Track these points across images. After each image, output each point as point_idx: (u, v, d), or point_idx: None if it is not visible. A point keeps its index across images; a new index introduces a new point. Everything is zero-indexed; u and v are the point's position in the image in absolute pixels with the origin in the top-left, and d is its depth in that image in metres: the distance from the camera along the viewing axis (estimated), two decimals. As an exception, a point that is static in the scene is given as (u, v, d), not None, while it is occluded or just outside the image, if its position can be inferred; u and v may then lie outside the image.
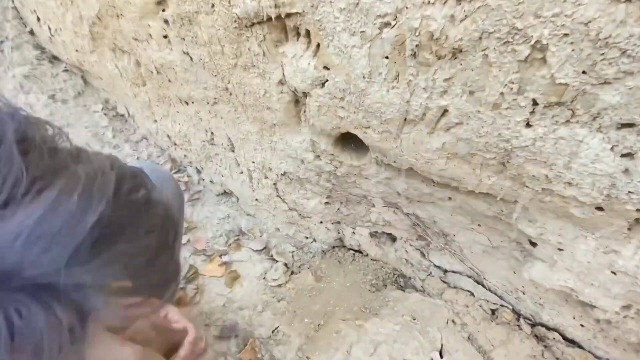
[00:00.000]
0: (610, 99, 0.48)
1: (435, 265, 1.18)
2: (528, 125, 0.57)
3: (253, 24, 0.76)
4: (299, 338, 0.99)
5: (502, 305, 1.04)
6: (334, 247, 1.36)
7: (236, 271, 1.19)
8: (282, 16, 0.70)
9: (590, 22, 0.44)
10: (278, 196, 1.31)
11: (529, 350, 0.98)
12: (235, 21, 0.77)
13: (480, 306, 1.05)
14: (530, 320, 1.00)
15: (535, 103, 0.54)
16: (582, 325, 0.88)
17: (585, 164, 0.55)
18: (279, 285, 1.15)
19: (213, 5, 0.77)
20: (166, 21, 0.89)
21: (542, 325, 0.97)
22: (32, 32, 1.57)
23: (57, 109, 1.40)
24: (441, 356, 0.96)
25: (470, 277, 1.10)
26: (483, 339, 1.01)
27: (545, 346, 0.97)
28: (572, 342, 0.94)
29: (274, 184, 1.26)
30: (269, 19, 0.72)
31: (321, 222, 1.30)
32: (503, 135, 0.60)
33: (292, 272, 1.22)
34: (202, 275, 1.17)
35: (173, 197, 0.82)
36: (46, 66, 1.50)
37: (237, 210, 1.47)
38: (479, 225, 0.90)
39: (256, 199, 1.39)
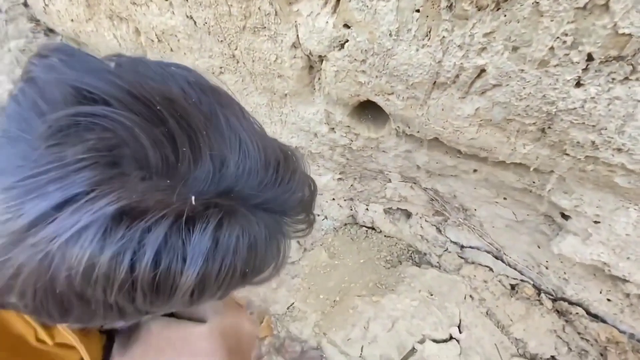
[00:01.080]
0: (683, 49, 0.42)
1: (452, 241, 1.15)
2: (578, 84, 0.51)
3: (264, -21, 0.68)
4: (315, 314, 0.97)
5: (522, 281, 1.01)
6: (346, 224, 1.33)
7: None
8: (298, -34, 0.63)
9: (673, -47, 0.37)
10: (288, 172, 1.27)
11: (550, 325, 0.96)
12: (244, -25, 0.69)
13: (500, 281, 1.03)
14: (552, 295, 0.98)
15: (590, 58, 0.48)
16: (609, 300, 0.85)
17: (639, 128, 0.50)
18: (292, 263, 1.13)
19: (219, -43, 0.69)
20: (167, -21, 0.81)
21: (565, 300, 0.95)
22: (25, 4, 1.47)
23: (54, 83, 1.34)
24: (460, 331, 0.94)
25: (489, 252, 1.07)
26: (502, 314, 1.00)
27: (566, 320, 0.95)
28: (595, 317, 0.92)
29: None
30: (283, -29, 0.65)
31: (333, 198, 1.26)
32: (548, 97, 0.54)
33: (305, 250, 1.19)
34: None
35: None
36: (42, 39, 1.42)
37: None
38: (505, 198, 0.86)
39: (265, 176, 1.35)
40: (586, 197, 0.66)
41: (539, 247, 0.90)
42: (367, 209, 1.25)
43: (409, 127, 0.79)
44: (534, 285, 1.00)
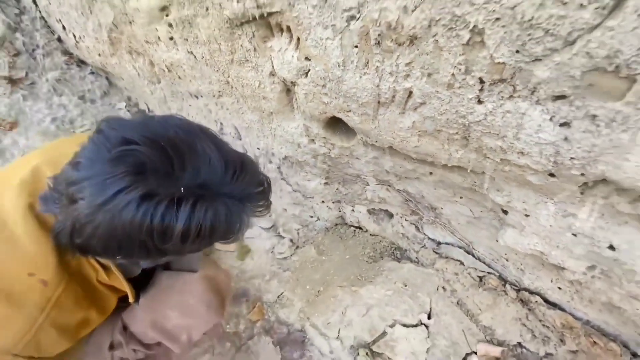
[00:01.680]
0: (542, 74, 0.54)
1: (429, 238, 1.25)
2: (479, 101, 0.63)
3: (242, 23, 0.85)
4: (301, 302, 1.11)
5: (489, 273, 1.10)
6: (336, 224, 1.46)
7: (247, 246, 1.32)
8: (265, 15, 0.79)
9: (515, 6, 0.50)
10: (283, 179, 1.42)
11: (514, 314, 1.05)
12: (227, 22, 0.86)
13: (469, 274, 1.12)
14: (516, 285, 1.06)
15: (482, 81, 0.60)
16: (559, 288, 0.93)
17: (531, 134, 0.61)
18: (285, 258, 1.28)
19: (207, 9, 0.87)
20: (170, 25, 1.00)
21: (526, 290, 1.03)
22: (59, 40, 1.74)
23: (87, 108, 1.57)
24: (429, 318, 1.05)
25: (461, 247, 1.17)
26: (471, 304, 1.09)
27: (529, 309, 1.04)
28: (553, 305, 1.00)
29: (278, 167, 1.38)
30: (254, 18, 0.81)
31: (323, 201, 1.40)
32: (460, 112, 0.67)
33: (297, 247, 1.34)
34: (218, 250, 1.31)
35: None
36: (75, 70, 1.67)
37: (248, 194, 1.60)
38: (460, 197, 0.97)
39: (264, 182, 1.51)
40: (514, 193, 0.77)
41: (496, 240, 0.99)
42: (352, 210, 1.38)
43: (369, 138, 0.92)
44: (499, 277, 1.09)
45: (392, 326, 1.02)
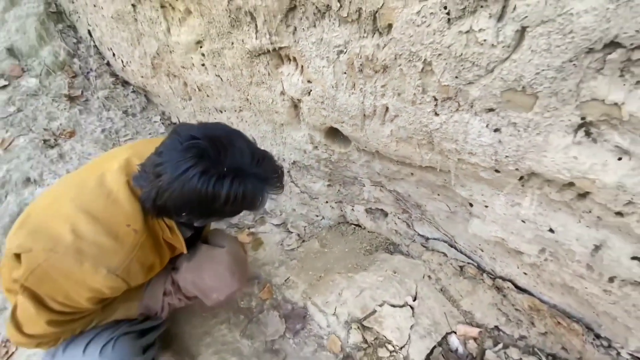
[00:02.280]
0: (475, 93, 0.73)
1: (419, 234, 1.42)
2: (436, 114, 0.82)
3: (259, 54, 1.09)
4: (304, 285, 1.29)
5: (468, 263, 1.26)
6: (339, 222, 1.65)
7: (260, 239, 1.53)
8: (277, 49, 1.02)
9: (450, 46, 0.69)
10: (292, 182, 1.63)
11: (491, 299, 1.19)
12: (247, 53, 1.10)
13: (451, 264, 1.28)
14: (492, 274, 1.21)
15: (435, 99, 0.80)
16: (525, 274, 1.08)
17: (475, 138, 0.79)
18: (292, 250, 1.47)
19: (232, 43, 1.11)
20: (203, 54, 1.25)
21: (500, 277, 1.18)
22: (108, 64, 2.06)
23: (129, 121, 1.86)
24: (414, 300, 1.21)
25: (445, 241, 1.33)
26: (453, 290, 1.24)
27: (503, 295, 1.18)
28: (523, 290, 1.14)
29: (288, 171, 1.59)
30: (269, 50, 1.04)
31: (326, 201, 1.60)
32: (423, 122, 0.86)
33: (303, 241, 1.53)
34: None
35: None
36: (120, 89, 1.97)
37: (262, 196, 1.82)
38: (438, 194, 1.14)
39: (276, 185, 1.73)
40: (474, 188, 0.94)
41: (471, 234, 1.15)
42: (352, 209, 1.56)
43: (360, 144, 1.12)
44: (477, 267, 1.23)
45: (381, 305, 1.18)
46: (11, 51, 1.90)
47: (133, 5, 1.33)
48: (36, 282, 0.64)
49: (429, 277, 1.28)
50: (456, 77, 0.73)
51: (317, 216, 1.69)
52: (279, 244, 1.53)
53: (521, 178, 0.82)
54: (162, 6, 1.22)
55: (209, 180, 0.60)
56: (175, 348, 1.10)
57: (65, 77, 1.84)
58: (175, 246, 0.81)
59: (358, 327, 1.14)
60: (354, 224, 1.59)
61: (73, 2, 1.95)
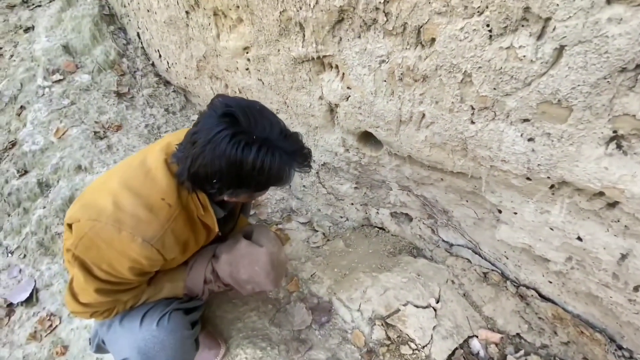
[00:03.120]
0: (512, 104, 0.78)
1: (443, 240, 1.46)
2: (472, 122, 0.88)
3: (303, 61, 1.17)
4: (329, 280, 1.35)
5: (492, 270, 1.28)
6: (362, 225, 1.70)
7: (287, 234, 1.60)
8: (321, 57, 1.10)
9: (490, 60, 0.76)
10: (320, 183, 1.70)
11: (514, 307, 1.22)
12: (292, 60, 1.19)
13: (475, 270, 1.31)
14: (515, 282, 1.23)
15: (472, 108, 0.85)
16: (550, 282, 1.10)
17: (509, 147, 0.84)
18: (318, 247, 1.54)
19: (279, 50, 1.20)
20: (248, 60, 1.35)
21: (524, 285, 1.20)
22: (153, 65, 2.21)
23: (169, 118, 1.99)
24: (437, 302, 1.24)
25: (470, 248, 1.37)
26: (476, 296, 1.28)
27: (526, 303, 1.20)
28: (546, 299, 1.16)
29: (317, 172, 1.66)
30: (313, 58, 1.13)
31: (352, 204, 1.66)
32: (459, 129, 0.92)
33: (328, 239, 1.59)
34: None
35: None
36: (162, 88, 2.11)
37: (290, 195, 1.90)
38: (466, 200, 1.19)
39: (303, 185, 1.80)
40: (504, 194, 0.98)
41: (498, 240, 1.19)
42: (377, 212, 1.62)
43: (392, 148, 1.18)
44: (501, 274, 1.26)
45: (404, 305, 1.23)
46: (66, 48, 2.08)
47: (187, 12, 1.45)
48: (83, 250, 0.70)
49: (452, 281, 1.32)
50: (494, 89, 0.79)
51: (341, 217, 1.76)
52: (304, 241, 1.59)
53: (552, 186, 0.86)
54: (215, 14, 1.33)
55: (237, 145, 0.64)
56: (210, 329, 1.17)
57: (115, 75, 1.99)
58: (210, 228, 0.86)
59: (382, 324, 1.19)
60: (378, 227, 1.65)
61: (125, 7, 2.11)
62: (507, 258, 1.21)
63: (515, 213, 0.99)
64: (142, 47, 2.19)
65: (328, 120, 1.33)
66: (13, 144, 1.72)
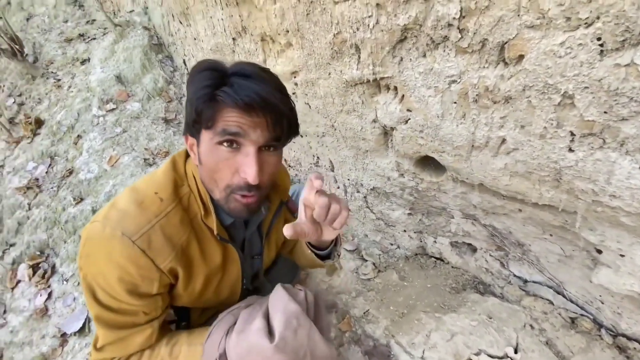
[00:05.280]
0: (629, 131, 0.64)
1: (515, 275, 1.28)
2: (571, 150, 0.74)
3: (356, 84, 1.09)
4: (385, 320, 1.23)
5: (582, 315, 1.09)
6: (416, 254, 1.56)
7: (334, 264, 1.50)
8: (377, 79, 1.02)
9: (601, 79, 0.62)
10: (367, 207, 1.59)
11: (612, 361, 1.02)
12: (344, 83, 1.11)
13: (560, 314, 1.12)
14: (612, 331, 1.03)
15: (572, 134, 0.72)
16: (667, 337, 0.90)
17: (621, 180, 0.69)
18: (369, 279, 1.42)
19: (330, 74, 1.14)
20: (296, 84, 1.30)
21: (624, 335, 1.00)
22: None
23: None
24: (515, 352, 1.07)
25: (550, 287, 1.18)
26: (562, 345, 1.09)
27: (627, 357, 1.00)
28: (660, 356, 0.95)
29: (364, 197, 1.56)
30: (368, 80, 1.04)
31: (404, 230, 1.53)
32: (551, 158, 0.78)
33: (379, 270, 1.47)
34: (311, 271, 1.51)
35: None
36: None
37: (334, 219, 1.81)
38: (550, 235, 1.02)
39: (349, 210, 1.70)
40: (607, 233, 0.82)
41: (590, 281, 1.00)
42: (435, 241, 1.47)
43: (460, 175, 1.06)
44: (594, 320, 1.07)
45: (477, 354, 1.07)
46: (119, 78, 2.18)
47: (233, 39, 1.44)
48: (84, 261, 0.61)
49: (531, 326, 1.14)
50: (605, 112, 0.65)
51: (391, 244, 1.63)
52: (353, 271, 1.48)
53: (682, 228, 0.69)
54: (263, 39, 1.30)
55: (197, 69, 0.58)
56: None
57: (163, 102, 2.04)
58: (228, 247, 0.72)
59: (451, 376, 1.04)
60: (435, 257, 1.50)
61: (172, 35, 2.19)
62: (603, 303, 1.02)
63: (622, 255, 0.82)
64: (188, 74, 2.25)
65: (381, 144, 1.24)
66: (70, 171, 1.80)
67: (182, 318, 0.83)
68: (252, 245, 0.82)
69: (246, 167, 0.57)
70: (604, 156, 0.70)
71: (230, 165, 0.59)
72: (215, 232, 0.68)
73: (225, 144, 0.57)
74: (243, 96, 0.54)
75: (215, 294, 0.76)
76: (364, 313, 1.28)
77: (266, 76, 0.58)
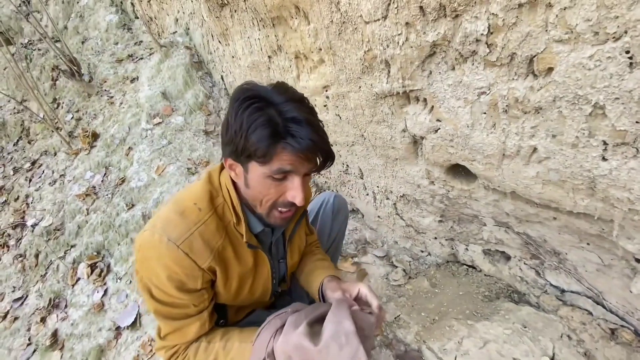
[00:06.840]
0: (666, 140, 0.64)
1: (551, 285, 1.26)
2: (604, 159, 0.75)
3: (386, 96, 1.15)
4: (417, 326, 1.25)
5: (622, 326, 1.05)
6: (447, 261, 1.57)
7: (364, 270, 1.54)
8: (407, 91, 1.07)
9: (631, 90, 0.64)
10: (397, 214, 1.62)
11: (660, 376, 0.97)
12: (374, 95, 1.17)
13: (599, 325, 1.09)
14: (661, 345, 0.99)
15: (605, 143, 0.73)
16: None
17: (660, 188, 0.69)
18: (399, 285, 1.44)
19: (360, 87, 1.20)
20: (327, 97, 1.38)
21: (675, 351, 0.96)
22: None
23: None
24: (553, 362, 1.05)
25: (589, 297, 1.15)
26: (601, 357, 1.05)
27: (677, 373, 0.95)
28: None
29: (394, 204, 1.59)
30: (398, 93, 1.09)
31: (435, 237, 1.54)
32: (585, 167, 0.78)
33: (410, 277, 1.49)
34: (339, 270, 1.56)
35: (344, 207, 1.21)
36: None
37: (363, 225, 1.85)
38: (587, 243, 1.01)
39: (378, 216, 1.74)
40: (648, 242, 0.80)
41: (630, 291, 0.97)
42: (466, 248, 1.47)
43: (491, 183, 1.07)
44: (635, 332, 1.03)
45: (511, 363, 1.06)
46: (164, 94, 2.38)
47: (269, 57, 1.55)
48: (140, 265, 0.71)
49: (569, 337, 1.11)
50: (637, 122, 0.66)
51: (422, 252, 1.64)
52: (384, 277, 1.52)
53: None
54: (296, 57, 1.39)
55: (239, 102, 0.62)
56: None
57: (203, 115, 2.20)
58: (259, 254, 0.81)
59: (485, 384, 1.04)
60: (467, 265, 1.49)
61: (211, 54, 2.36)
62: (649, 315, 0.98)
63: (667, 265, 0.80)
64: (225, 89, 2.41)
65: (410, 152, 1.28)
66: (123, 180, 1.99)
67: (220, 316, 0.92)
68: (277, 249, 0.91)
69: (294, 193, 0.67)
70: (639, 165, 0.70)
71: (278, 191, 0.68)
72: (244, 240, 0.76)
73: (277, 176, 0.66)
74: (304, 147, 0.61)
75: (250, 293, 0.85)
76: (395, 318, 1.31)
77: (314, 120, 0.66)
